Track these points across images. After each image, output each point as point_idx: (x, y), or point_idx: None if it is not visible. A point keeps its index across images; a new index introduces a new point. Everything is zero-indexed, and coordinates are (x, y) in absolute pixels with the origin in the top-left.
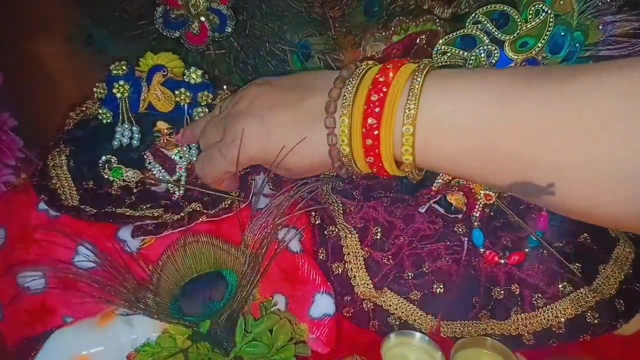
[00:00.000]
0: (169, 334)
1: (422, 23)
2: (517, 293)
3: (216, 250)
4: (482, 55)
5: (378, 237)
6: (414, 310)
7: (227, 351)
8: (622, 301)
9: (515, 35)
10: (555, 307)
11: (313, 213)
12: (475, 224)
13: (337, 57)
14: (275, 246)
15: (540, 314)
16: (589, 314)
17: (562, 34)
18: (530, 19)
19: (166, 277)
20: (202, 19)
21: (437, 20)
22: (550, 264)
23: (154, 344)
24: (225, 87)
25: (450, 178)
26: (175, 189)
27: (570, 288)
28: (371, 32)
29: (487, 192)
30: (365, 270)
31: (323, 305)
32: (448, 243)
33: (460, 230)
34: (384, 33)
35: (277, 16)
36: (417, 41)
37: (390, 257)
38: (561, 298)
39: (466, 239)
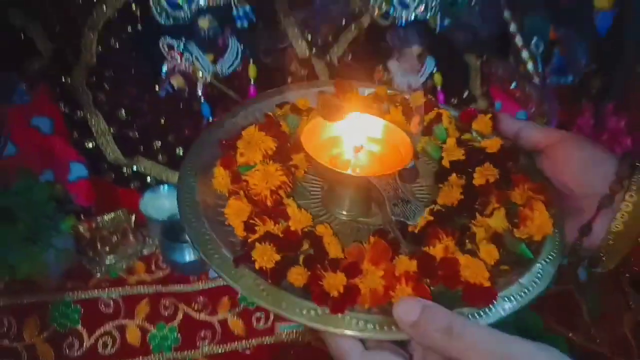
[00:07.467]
0: None
1: None
2: None
3: None
4: None
5: (124, 117)
6: (164, 169)
7: None
8: None
9: None
10: None
11: (62, 103)
12: (202, 99)
13: None
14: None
15: None
16: None
17: None
18: None
19: None
20: None
21: None
22: None
23: None
24: None
25: (174, 65)
26: None
27: None
28: None
29: (205, 73)
30: (114, 143)
31: (77, 171)
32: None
33: (196, 107)
34: None
35: None
36: None
37: (137, 131)
38: None
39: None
